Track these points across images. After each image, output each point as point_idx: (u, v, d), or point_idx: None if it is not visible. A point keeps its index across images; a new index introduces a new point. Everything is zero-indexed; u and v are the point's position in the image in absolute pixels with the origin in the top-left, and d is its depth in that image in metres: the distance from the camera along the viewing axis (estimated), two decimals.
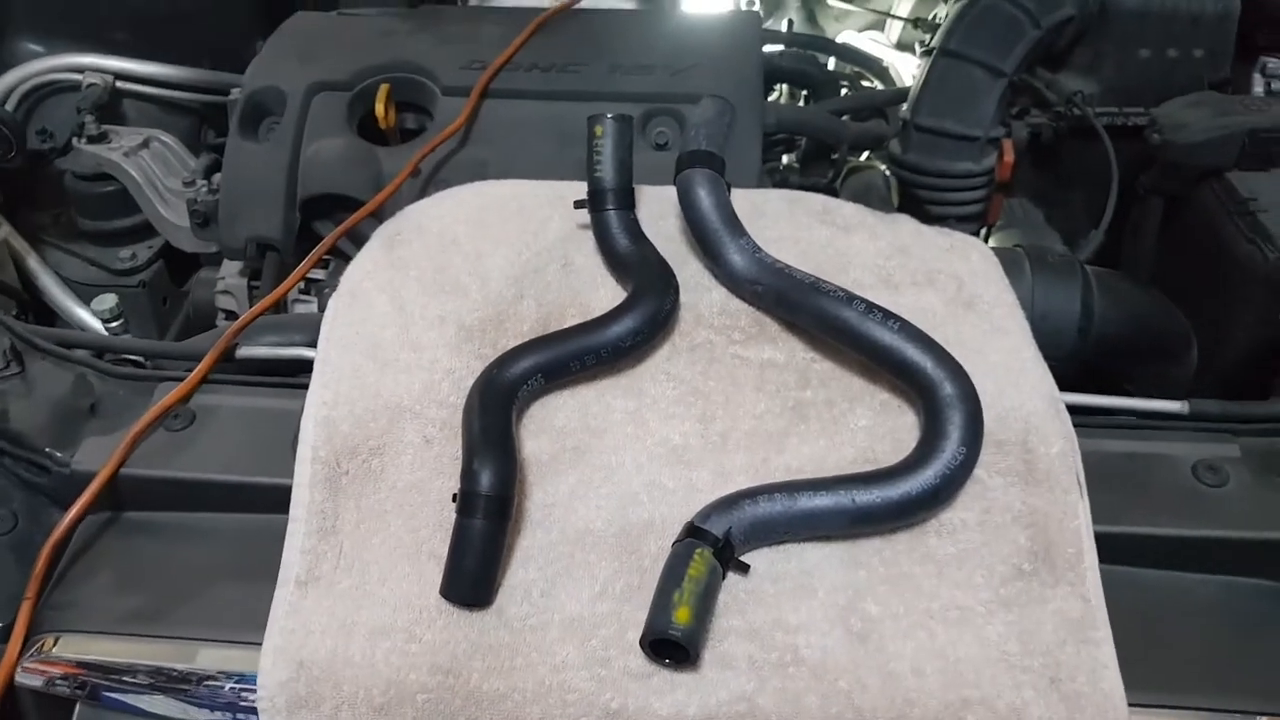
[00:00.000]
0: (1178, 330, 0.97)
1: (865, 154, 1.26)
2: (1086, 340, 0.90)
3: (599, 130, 0.79)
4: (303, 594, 0.62)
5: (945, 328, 0.75)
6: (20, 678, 0.62)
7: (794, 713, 0.60)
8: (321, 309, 1.00)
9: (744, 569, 0.65)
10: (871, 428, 0.72)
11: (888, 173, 1.17)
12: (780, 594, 0.64)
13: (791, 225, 0.84)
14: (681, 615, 0.60)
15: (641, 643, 0.61)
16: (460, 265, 0.81)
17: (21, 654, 0.61)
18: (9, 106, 1.19)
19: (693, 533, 0.64)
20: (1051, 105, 1.14)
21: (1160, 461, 0.74)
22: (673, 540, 0.65)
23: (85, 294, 1.14)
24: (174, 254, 1.19)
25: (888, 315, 0.70)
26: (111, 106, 1.26)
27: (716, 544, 0.63)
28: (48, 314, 1.16)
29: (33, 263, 1.16)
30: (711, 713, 0.60)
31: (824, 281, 0.74)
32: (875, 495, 0.65)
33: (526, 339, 0.74)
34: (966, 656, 0.61)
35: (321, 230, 1.05)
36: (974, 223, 1.11)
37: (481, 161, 1.05)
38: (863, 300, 0.71)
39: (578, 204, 0.82)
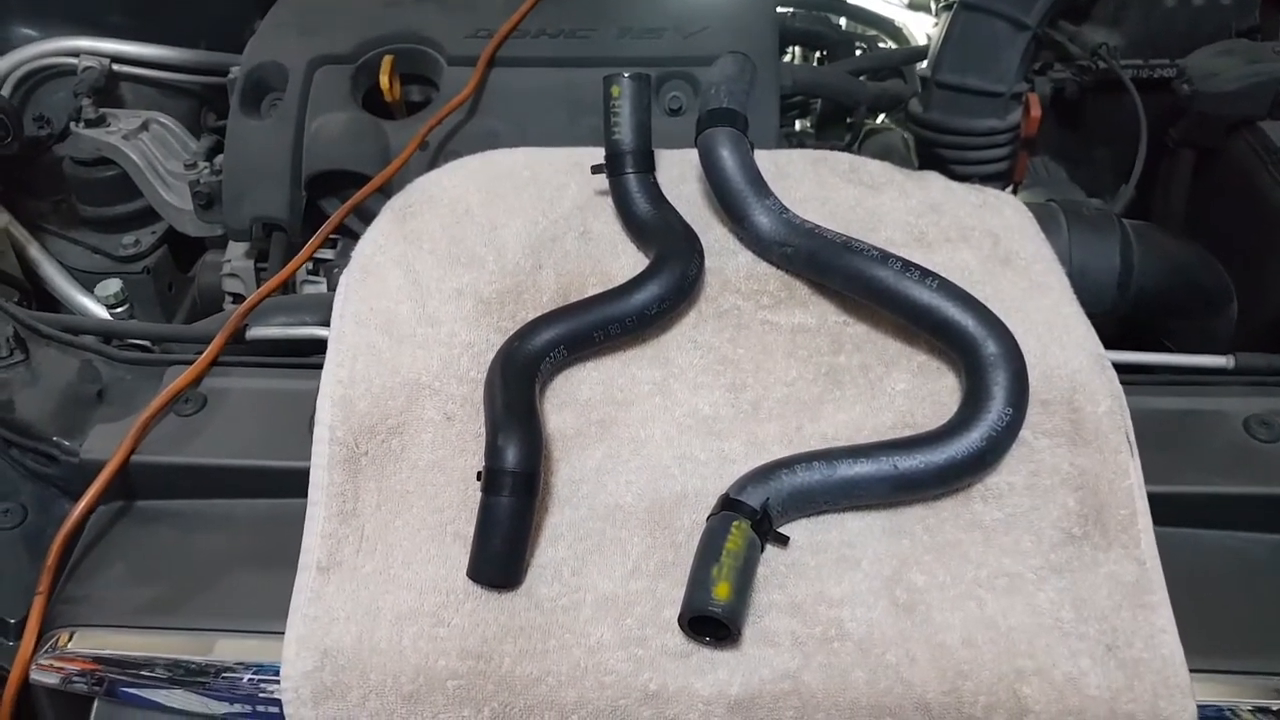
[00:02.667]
0: (1218, 282, 0.94)
1: (882, 116, 1.23)
2: (1126, 295, 0.87)
3: (616, 91, 0.76)
4: (325, 579, 0.60)
5: (983, 285, 0.72)
6: (35, 674, 0.60)
7: (841, 688, 0.57)
8: (331, 288, 0.97)
9: (783, 541, 0.62)
10: (910, 391, 0.69)
11: (906, 135, 1.13)
12: (822, 566, 0.62)
13: (817, 185, 0.80)
14: (721, 590, 0.57)
15: (680, 620, 0.59)
16: (475, 236, 0.78)
17: (36, 650, 0.59)
18: (4, 92, 1.16)
19: (728, 505, 0.62)
20: (1075, 59, 1.10)
21: (1210, 418, 0.71)
22: (707, 514, 0.62)
23: (88, 282, 1.11)
24: (178, 238, 1.16)
25: (925, 273, 0.67)
26: (109, 90, 1.23)
27: (754, 516, 0.61)
28: (51, 303, 1.13)
29: (34, 251, 1.13)
30: (755, 691, 0.57)
31: (856, 240, 0.71)
32: (918, 461, 0.62)
33: (546, 310, 0.71)
34: (1019, 625, 0.59)
35: (328, 208, 1.03)
36: (999, 181, 1.08)
37: (491, 132, 1.02)
38: (898, 258, 0.68)
39: (595, 169, 0.79)
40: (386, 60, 1.05)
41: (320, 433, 0.64)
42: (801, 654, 0.58)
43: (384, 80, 1.04)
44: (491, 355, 0.68)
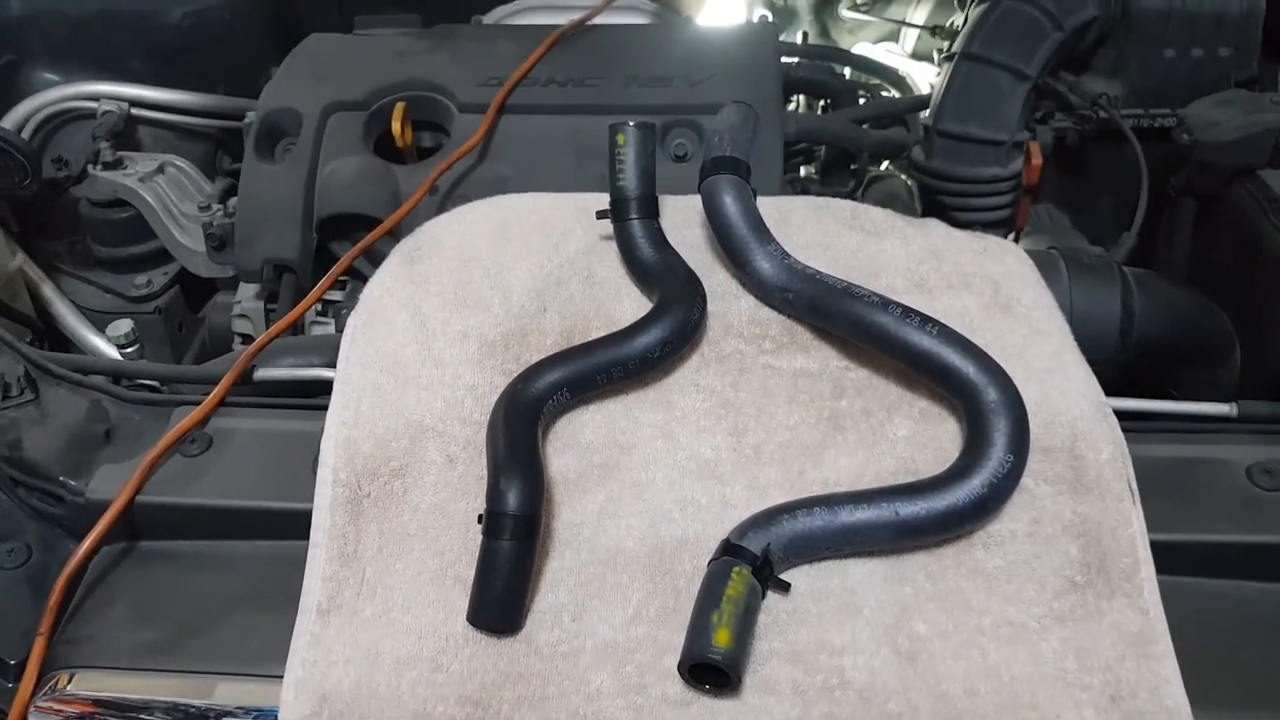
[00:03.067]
0: (1221, 330, 0.94)
1: (885, 164, 1.24)
2: (1128, 342, 0.87)
3: (621, 139, 0.77)
4: (325, 623, 0.59)
5: (984, 332, 0.72)
6: (34, 717, 0.59)
7: None
8: (339, 330, 0.98)
9: (784, 587, 0.62)
10: (912, 437, 0.69)
11: (910, 182, 1.15)
12: (823, 613, 0.62)
13: (819, 231, 0.81)
14: (721, 638, 0.57)
15: (680, 668, 0.58)
16: (481, 279, 0.79)
17: (35, 692, 0.59)
18: (25, 135, 1.19)
19: (729, 550, 0.61)
20: (1076, 109, 1.12)
21: (1213, 466, 0.71)
22: (708, 559, 0.62)
23: (101, 321, 1.13)
24: (190, 280, 1.17)
25: (925, 319, 0.68)
26: (127, 134, 1.26)
27: (755, 562, 0.60)
28: (63, 342, 1.15)
29: (48, 291, 1.15)
30: None
31: (857, 286, 0.71)
32: (920, 507, 0.62)
33: (551, 353, 0.72)
34: (1022, 675, 0.58)
35: (338, 251, 1.04)
36: (1001, 229, 1.09)
37: (500, 177, 1.04)
38: (898, 304, 0.69)
39: (600, 214, 0.80)
40: (399, 107, 1.07)
41: (323, 474, 0.64)
42: (802, 703, 0.58)
43: (396, 126, 1.06)
44: (495, 397, 0.69)
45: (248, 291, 1.04)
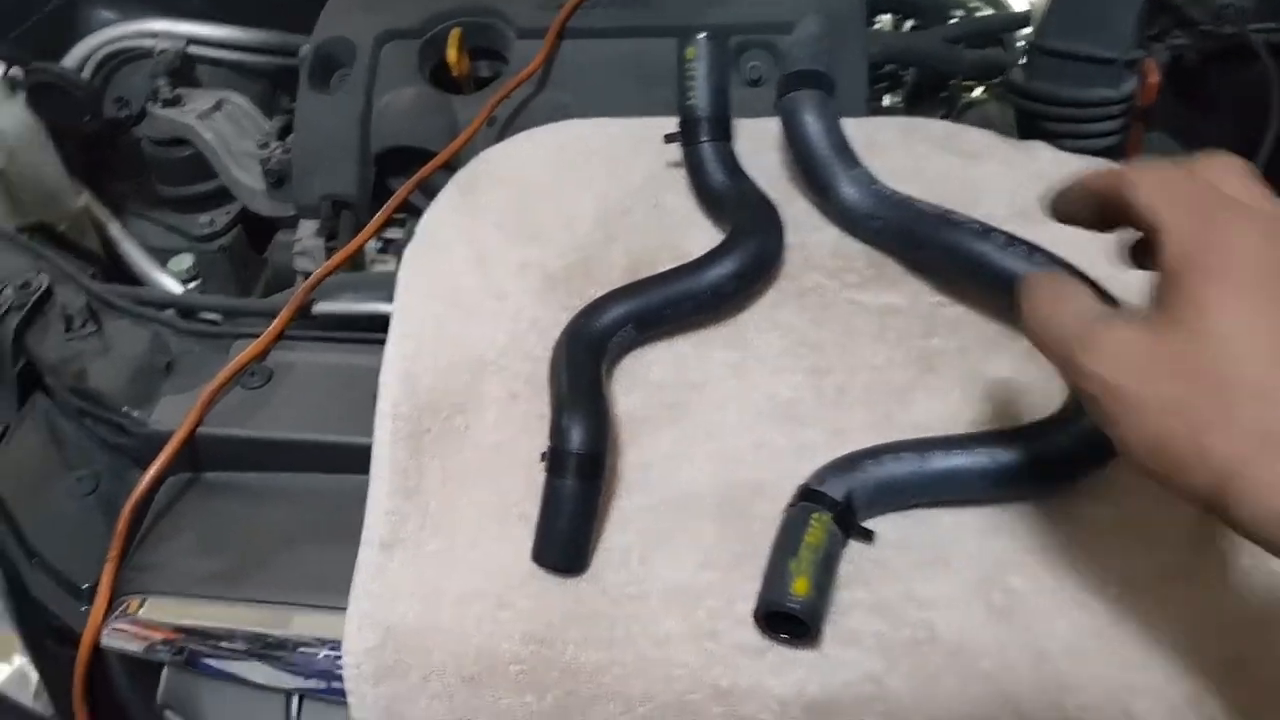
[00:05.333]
0: None
1: (979, 90, 1.15)
2: None
3: (691, 53, 0.72)
4: (388, 556, 0.57)
5: (1097, 266, 0.66)
6: (107, 639, 0.59)
7: (929, 696, 0.53)
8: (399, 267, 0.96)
9: (868, 536, 0.58)
10: (1013, 378, 0.63)
11: (1006, 108, 1.06)
12: (910, 564, 0.57)
13: (909, 155, 0.75)
14: (799, 586, 0.53)
15: (755, 615, 0.55)
16: (541, 210, 0.75)
17: (107, 616, 0.59)
18: (85, 74, 1.18)
19: (808, 496, 0.57)
20: (1196, 24, 1.01)
21: None
22: (785, 504, 0.58)
23: (167, 260, 1.13)
24: (252, 219, 1.16)
25: (1033, 248, 0.62)
26: (185, 71, 1.24)
27: (836, 508, 0.56)
28: (130, 281, 1.15)
29: (114, 230, 1.15)
30: (835, 694, 0.53)
31: (954, 213, 0.65)
32: (1021, 454, 0.57)
33: (616, 286, 0.68)
34: (1132, 636, 0.53)
35: (396, 186, 1.01)
36: (1110, 157, 1.00)
37: (561, 105, 0.99)
38: (1001, 232, 0.63)
39: (668, 138, 0.75)
40: (454, 34, 1.03)
41: (383, 408, 0.62)
42: (887, 657, 0.54)
43: (451, 54, 1.02)
44: (558, 332, 0.65)
45: (307, 228, 1.02)
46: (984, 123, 1.03)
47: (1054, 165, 0.74)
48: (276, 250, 1.07)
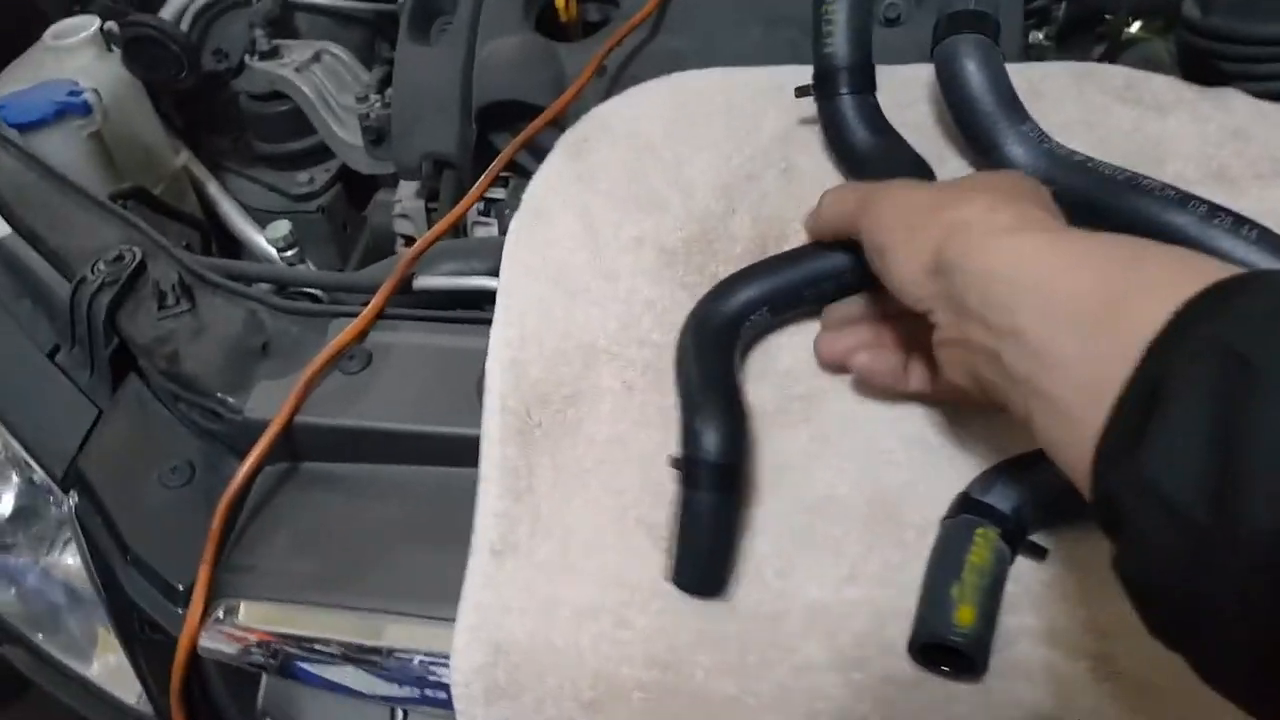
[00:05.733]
0: None
1: (1137, 24, 1.02)
2: None
3: None
4: (498, 564, 0.53)
5: None
6: (204, 642, 0.57)
7: None
8: (503, 231, 0.90)
9: (1040, 553, 0.50)
10: None
11: (1170, 47, 0.93)
12: (1088, 587, 0.49)
13: (1081, 107, 0.65)
14: (964, 615, 0.46)
15: (910, 646, 0.48)
16: (658, 175, 0.68)
17: (204, 621, 0.56)
18: (184, 26, 1.15)
19: (968, 506, 0.50)
20: None
21: None
22: (939, 511, 0.51)
23: (266, 220, 1.10)
24: (353, 176, 1.12)
25: (1240, 220, 0.52)
26: (284, 21, 1.20)
27: (1004, 523, 0.49)
28: (231, 243, 1.13)
29: (213, 190, 1.13)
30: None
31: (1143, 176, 0.55)
32: None
33: (741, 263, 0.61)
34: None
35: (499, 144, 0.95)
36: None
37: (676, 52, 0.91)
38: (1202, 201, 0.53)
39: (800, 91, 0.66)
40: None
41: (490, 401, 0.57)
42: (1061, 693, 0.47)
43: None
44: (676, 315, 0.59)
45: (408, 189, 0.97)
46: (1147, 64, 0.90)
47: (1253, 117, 0.63)
48: (376, 211, 1.03)
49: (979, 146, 0.62)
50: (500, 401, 0.57)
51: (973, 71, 0.60)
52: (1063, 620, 0.49)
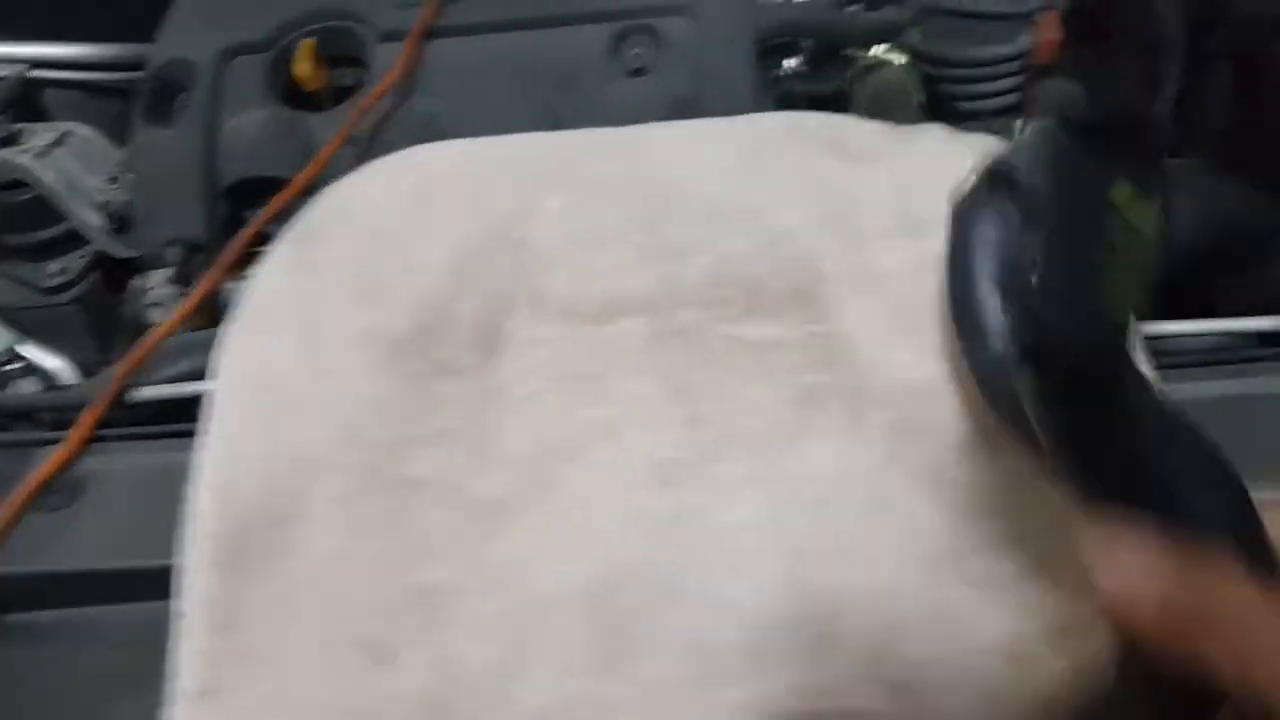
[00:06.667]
0: (1273, 223, 0.79)
1: (884, 45, 1.07)
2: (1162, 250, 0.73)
3: None
4: (205, 709, 0.50)
5: None
6: None
7: None
8: None
9: None
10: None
11: (911, 65, 0.98)
12: None
13: (795, 161, 0.67)
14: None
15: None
16: (388, 259, 0.66)
17: None
18: None
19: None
20: None
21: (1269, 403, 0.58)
22: (656, 590, 0.52)
23: (22, 319, 1.02)
24: (113, 261, 1.06)
25: None
26: (29, 100, 1.12)
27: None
28: None
29: None
30: None
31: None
32: None
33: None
34: None
35: (253, 220, 0.92)
36: (1009, 116, 0.93)
37: (430, 114, 0.90)
38: None
39: None
40: (303, 45, 0.93)
41: (191, 528, 0.54)
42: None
43: (303, 68, 0.92)
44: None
45: (159, 276, 0.92)
46: (885, 86, 0.96)
47: (941, 158, 0.65)
48: (130, 299, 0.98)
49: None
50: (204, 526, 0.54)
51: None
52: None
